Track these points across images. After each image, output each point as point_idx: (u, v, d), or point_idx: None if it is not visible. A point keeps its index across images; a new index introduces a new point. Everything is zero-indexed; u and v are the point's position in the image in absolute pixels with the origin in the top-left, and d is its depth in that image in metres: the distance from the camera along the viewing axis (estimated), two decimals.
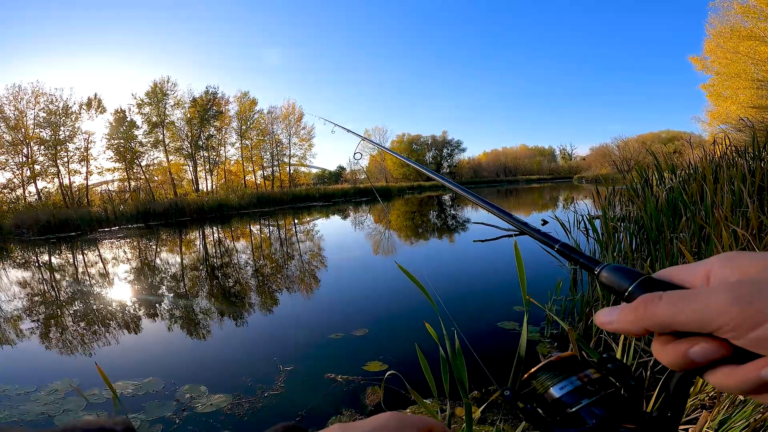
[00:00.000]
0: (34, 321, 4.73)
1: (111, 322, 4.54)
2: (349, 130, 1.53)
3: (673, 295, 0.25)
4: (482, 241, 8.21)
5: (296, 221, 16.88)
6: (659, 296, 0.26)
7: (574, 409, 0.32)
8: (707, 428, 1.49)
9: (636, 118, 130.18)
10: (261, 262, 8.17)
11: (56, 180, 24.02)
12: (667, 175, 4.88)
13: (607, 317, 0.29)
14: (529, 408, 0.34)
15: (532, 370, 0.36)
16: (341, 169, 55.23)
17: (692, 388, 1.77)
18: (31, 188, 23.24)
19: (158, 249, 10.94)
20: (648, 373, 2.18)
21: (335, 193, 30.62)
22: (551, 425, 0.33)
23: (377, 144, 1.18)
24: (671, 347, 0.26)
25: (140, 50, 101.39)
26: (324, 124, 1.79)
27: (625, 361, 2.00)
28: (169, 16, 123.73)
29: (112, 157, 26.54)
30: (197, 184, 30.15)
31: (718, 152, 5.11)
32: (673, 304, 0.25)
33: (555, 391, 0.33)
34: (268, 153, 35.14)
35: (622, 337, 2.04)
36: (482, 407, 2.20)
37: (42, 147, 23.48)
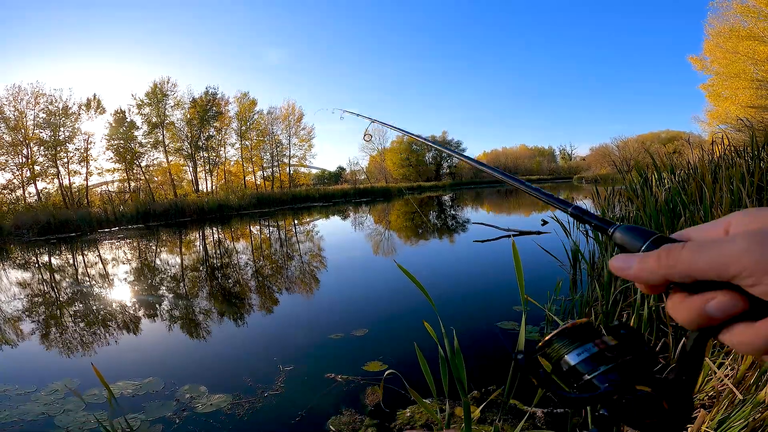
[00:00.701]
0: (34, 321, 4.73)
1: (111, 323, 4.54)
2: (358, 114, 1.54)
3: (694, 243, 0.26)
4: (482, 241, 8.22)
5: (296, 222, 16.88)
6: (681, 245, 0.26)
7: (590, 376, 0.31)
8: (706, 428, 1.49)
9: (636, 118, 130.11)
10: (261, 262, 8.17)
11: (56, 181, 23.99)
12: (666, 176, 4.88)
13: (624, 263, 0.28)
14: (542, 374, 0.33)
15: (547, 337, 0.35)
16: (341, 169, 55.20)
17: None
18: (31, 189, 23.25)
19: (158, 250, 10.94)
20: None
21: (335, 194, 30.60)
22: (561, 392, 0.32)
23: (390, 125, 1.17)
24: (687, 303, 0.26)
25: (140, 50, 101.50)
26: (333, 113, 1.78)
27: None
28: (168, 16, 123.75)
29: (111, 158, 26.52)
30: (197, 184, 30.14)
31: (717, 152, 5.11)
32: (694, 252, 0.25)
33: (571, 358, 0.33)
34: (267, 153, 35.11)
35: None
36: (481, 406, 2.21)
37: (42, 148, 23.45)
